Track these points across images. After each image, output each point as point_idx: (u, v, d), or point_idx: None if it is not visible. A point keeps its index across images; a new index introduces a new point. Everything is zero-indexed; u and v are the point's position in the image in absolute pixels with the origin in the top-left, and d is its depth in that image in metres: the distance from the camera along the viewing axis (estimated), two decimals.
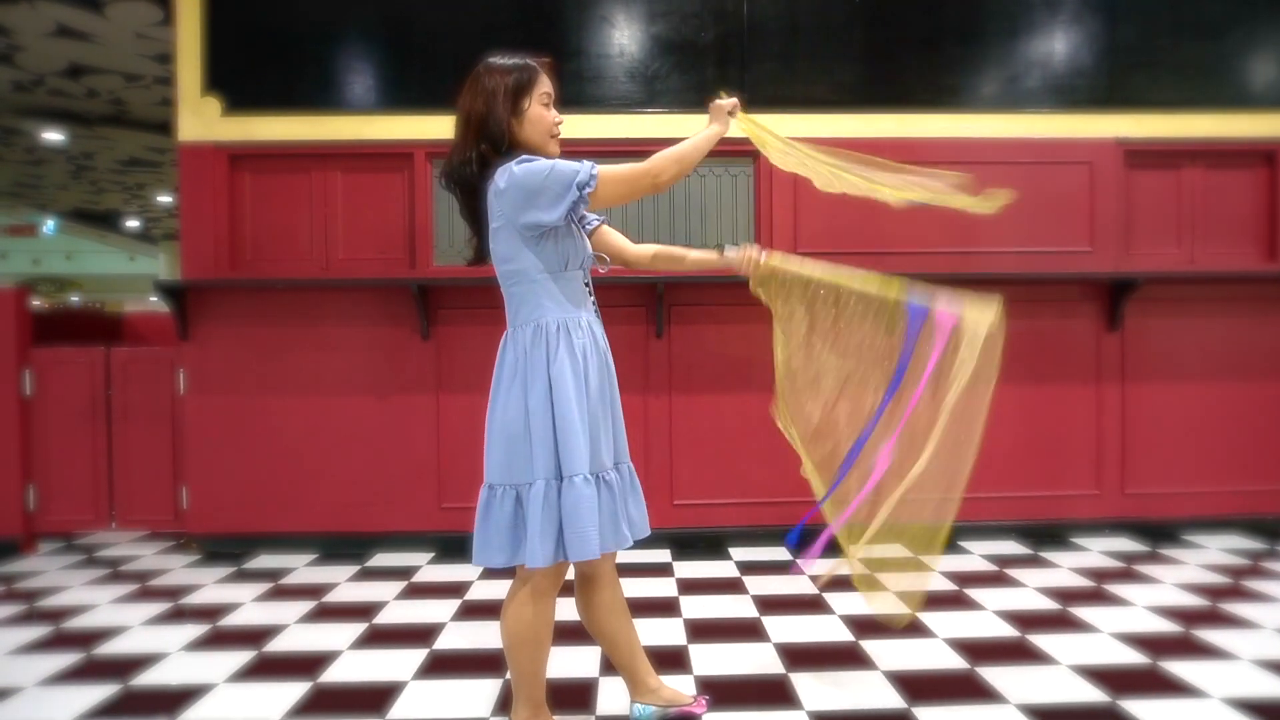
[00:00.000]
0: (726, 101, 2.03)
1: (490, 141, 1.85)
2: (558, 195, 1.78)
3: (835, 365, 2.17)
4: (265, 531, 3.81)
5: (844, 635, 2.73)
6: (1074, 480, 3.90)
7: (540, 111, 1.88)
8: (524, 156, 1.84)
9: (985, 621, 2.84)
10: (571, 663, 2.49)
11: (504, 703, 2.25)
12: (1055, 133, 3.90)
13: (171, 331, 3.86)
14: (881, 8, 3.92)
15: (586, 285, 1.97)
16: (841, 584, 3.26)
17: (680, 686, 2.24)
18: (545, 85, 1.90)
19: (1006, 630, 2.75)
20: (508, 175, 1.80)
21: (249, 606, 3.10)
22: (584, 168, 1.81)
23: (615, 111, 3.84)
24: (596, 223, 2.13)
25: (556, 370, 1.82)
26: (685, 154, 1.90)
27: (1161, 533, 3.90)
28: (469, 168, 1.87)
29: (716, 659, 2.54)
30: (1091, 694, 2.27)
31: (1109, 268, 3.92)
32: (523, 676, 1.91)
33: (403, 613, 3.02)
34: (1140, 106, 3.94)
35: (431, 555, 3.74)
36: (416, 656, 2.59)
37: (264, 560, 3.70)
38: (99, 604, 3.14)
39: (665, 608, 3.01)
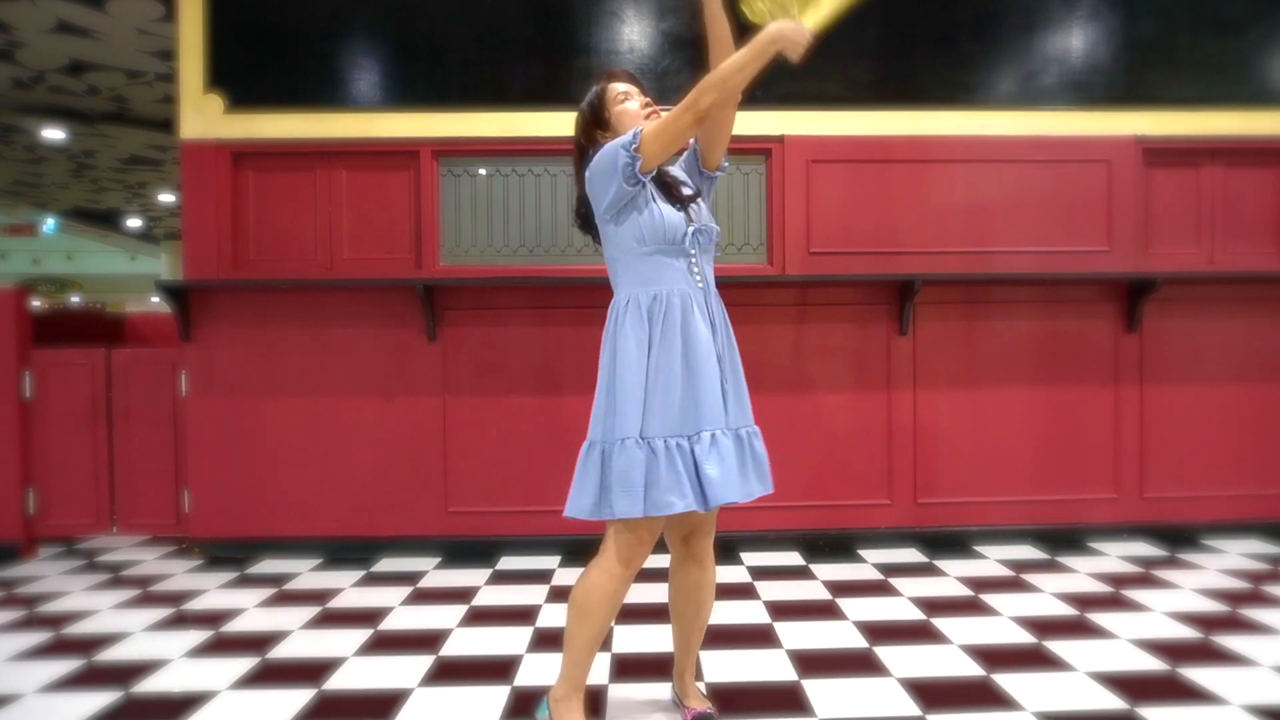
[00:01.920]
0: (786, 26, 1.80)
1: None
2: (609, 170, 1.87)
3: None
4: (268, 536, 3.76)
5: (857, 642, 2.69)
6: (1091, 484, 3.85)
7: (621, 111, 1.99)
8: None
9: (1001, 627, 2.80)
10: None
11: (513, 710, 2.21)
12: (1072, 130, 3.84)
13: (173, 332, 3.82)
14: (896, 3, 3.85)
15: (689, 259, 1.95)
16: (853, 590, 3.21)
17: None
18: (616, 89, 2.02)
19: (1023, 636, 2.71)
20: (586, 180, 1.96)
21: (252, 612, 3.07)
22: (625, 136, 1.87)
23: None
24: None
25: (621, 340, 1.91)
26: (726, 75, 1.79)
27: (1180, 537, 3.85)
28: (581, 203, 2.04)
29: (728, 665, 2.50)
30: (1109, 701, 2.23)
31: (1127, 268, 3.87)
32: (572, 650, 1.94)
33: (409, 619, 2.98)
34: (1159, 104, 3.88)
35: (438, 560, 3.70)
36: (423, 663, 2.55)
37: (267, 565, 3.67)
38: (100, 609, 3.11)
39: None
